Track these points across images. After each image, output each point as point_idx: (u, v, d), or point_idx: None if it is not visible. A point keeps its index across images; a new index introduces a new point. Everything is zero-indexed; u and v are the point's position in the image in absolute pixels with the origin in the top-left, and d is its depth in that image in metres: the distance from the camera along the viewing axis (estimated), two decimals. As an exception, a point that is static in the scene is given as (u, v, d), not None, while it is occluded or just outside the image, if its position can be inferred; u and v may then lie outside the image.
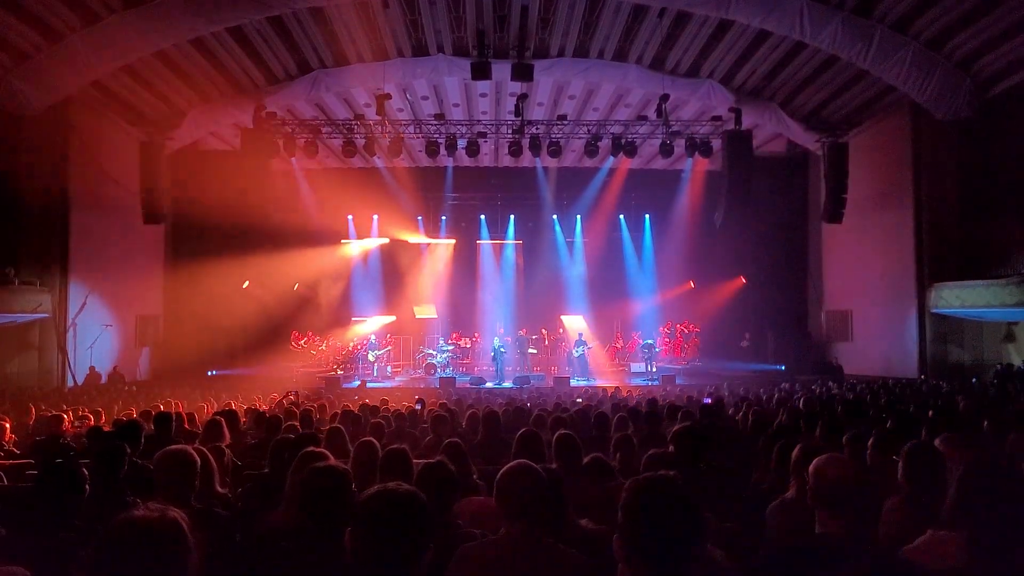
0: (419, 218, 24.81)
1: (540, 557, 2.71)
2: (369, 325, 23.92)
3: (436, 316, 24.79)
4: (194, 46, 17.11)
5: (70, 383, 17.48)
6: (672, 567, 1.84)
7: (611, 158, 21.78)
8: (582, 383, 19.69)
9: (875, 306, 20.09)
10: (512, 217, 25.15)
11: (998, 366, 16.78)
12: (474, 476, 4.67)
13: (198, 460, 3.66)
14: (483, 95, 20.59)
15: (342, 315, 24.18)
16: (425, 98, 20.70)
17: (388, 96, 19.20)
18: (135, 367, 20.91)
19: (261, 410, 10.19)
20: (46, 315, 17.29)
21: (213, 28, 16.38)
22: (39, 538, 3.24)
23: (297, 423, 7.14)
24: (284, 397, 12.58)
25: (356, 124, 20.08)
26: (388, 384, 20.24)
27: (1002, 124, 17.07)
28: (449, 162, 22.82)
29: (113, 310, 19.78)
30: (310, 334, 23.03)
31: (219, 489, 4.20)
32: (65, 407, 10.29)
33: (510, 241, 25.37)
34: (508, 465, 2.98)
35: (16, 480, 5.46)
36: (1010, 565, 2.33)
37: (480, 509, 3.79)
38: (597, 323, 23.88)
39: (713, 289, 23.11)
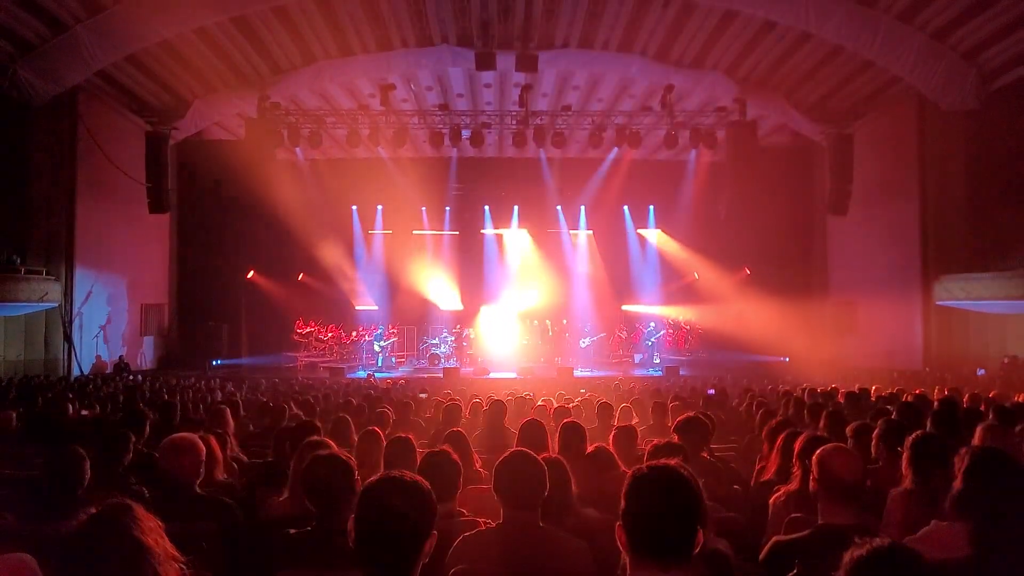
0: (423, 208, 24.78)
1: (540, 544, 2.72)
2: (376, 316, 23.93)
3: (440, 306, 24.80)
4: (199, 36, 17.08)
5: (76, 372, 17.55)
6: (673, 556, 1.84)
7: (615, 149, 21.73)
8: (586, 374, 19.70)
9: (880, 298, 20.01)
10: (516, 208, 25.10)
11: (1004, 359, 16.75)
12: (477, 465, 4.68)
13: (203, 448, 3.67)
14: (487, 85, 20.52)
15: (345, 305, 24.22)
16: (429, 88, 20.64)
17: (392, 86, 19.18)
18: (140, 356, 20.98)
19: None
20: (52, 304, 17.35)
21: (218, 18, 16.36)
22: (44, 525, 3.25)
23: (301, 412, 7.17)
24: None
25: (360, 114, 20.05)
26: (393, 374, 20.27)
27: (1008, 116, 16.95)
28: (453, 153, 22.79)
29: (118, 299, 19.85)
30: (313, 323, 23.07)
31: (219, 477, 4.21)
32: (71, 396, 10.33)
33: (514, 232, 25.31)
34: (505, 454, 2.98)
35: (21, 468, 5.49)
36: (1014, 556, 2.33)
37: (483, 498, 3.80)
38: (601, 314, 23.87)
39: (718, 280, 23.05)
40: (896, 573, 1.64)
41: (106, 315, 19.21)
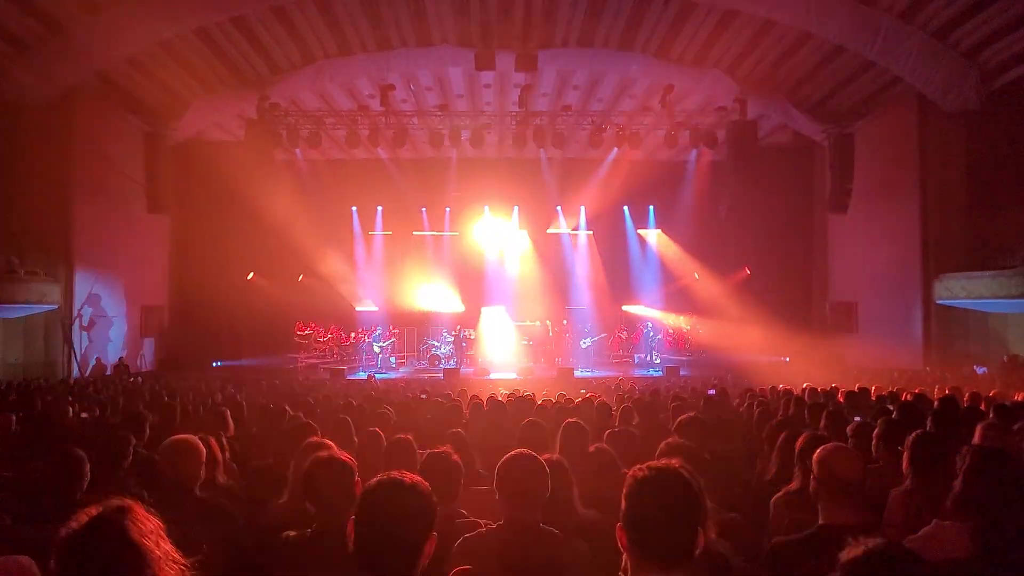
0: (423, 209, 24.75)
1: (541, 546, 2.71)
2: (376, 317, 23.92)
3: (440, 307, 24.78)
4: (198, 36, 17.05)
5: (76, 374, 17.53)
6: (674, 558, 1.83)
7: (615, 149, 21.71)
8: (587, 374, 19.70)
9: (880, 297, 20.02)
10: (516, 208, 25.07)
11: (1004, 358, 16.75)
12: (477, 466, 4.67)
13: (203, 450, 3.66)
14: (487, 86, 20.49)
15: (345, 306, 24.20)
16: (429, 89, 20.62)
17: (392, 87, 19.17)
18: (139, 358, 20.96)
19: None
20: (52, 306, 17.33)
21: (217, 18, 16.35)
22: (43, 528, 3.25)
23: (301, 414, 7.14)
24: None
25: (360, 115, 20.04)
26: (393, 375, 20.26)
27: (1008, 115, 16.97)
28: (453, 153, 22.76)
29: (118, 301, 19.83)
30: (313, 325, 23.05)
31: (220, 479, 4.20)
32: (70, 398, 10.32)
33: (514, 232, 25.27)
34: (508, 454, 2.97)
35: (21, 471, 5.48)
36: (1015, 556, 2.32)
37: (484, 499, 3.79)
38: (601, 315, 23.86)
39: (718, 280, 23.05)
40: (892, 573, 1.63)
41: (105, 317, 19.18)
